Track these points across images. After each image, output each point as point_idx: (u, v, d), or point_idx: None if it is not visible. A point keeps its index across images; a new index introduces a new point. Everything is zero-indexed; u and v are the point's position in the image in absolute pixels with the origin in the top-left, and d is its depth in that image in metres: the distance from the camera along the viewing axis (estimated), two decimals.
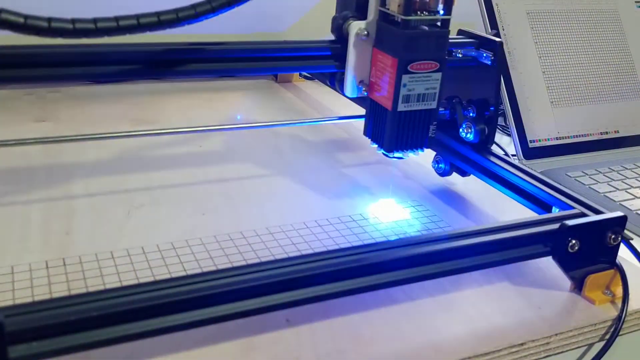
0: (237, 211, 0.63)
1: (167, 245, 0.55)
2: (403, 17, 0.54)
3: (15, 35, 0.43)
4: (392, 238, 0.59)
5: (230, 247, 0.56)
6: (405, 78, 0.56)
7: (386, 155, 0.60)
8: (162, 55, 0.55)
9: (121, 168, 0.70)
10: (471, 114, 0.66)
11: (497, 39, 0.64)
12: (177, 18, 0.46)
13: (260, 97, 0.97)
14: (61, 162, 0.70)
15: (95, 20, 0.44)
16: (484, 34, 0.66)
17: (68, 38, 0.44)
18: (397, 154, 0.60)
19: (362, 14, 0.58)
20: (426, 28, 0.55)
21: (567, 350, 0.49)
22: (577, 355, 0.50)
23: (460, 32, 0.67)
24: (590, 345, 0.50)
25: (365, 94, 0.60)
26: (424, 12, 0.55)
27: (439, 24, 0.56)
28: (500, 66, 0.65)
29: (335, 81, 0.63)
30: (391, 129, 0.58)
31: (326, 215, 0.62)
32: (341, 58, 0.60)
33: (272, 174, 0.71)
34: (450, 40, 0.65)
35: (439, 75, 0.57)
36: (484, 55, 0.65)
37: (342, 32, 0.59)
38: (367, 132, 0.62)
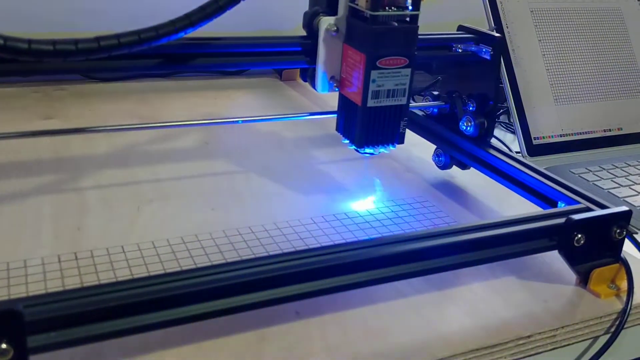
0: (245, 206, 0.63)
1: (177, 240, 0.56)
2: (371, 13, 0.54)
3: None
4: (398, 232, 0.60)
5: (239, 242, 0.57)
6: (374, 74, 0.56)
7: (357, 151, 0.60)
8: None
9: (130, 164, 0.71)
10: (471, 108, 0.67)
11: (496, 34, 0.65)
12: (157, 35, 0.47)
13: (264, 95, 0.98)
14: (70, 157, 0.71)
15: (76, 42, 0.44)
16: (483, 30, 0.67)
17: (48, 58, 0.44)
18: (368, 150, 0.60)
19: (332, 10, 0.58)
20: (395, 24, 0.56)
21: (573, 343, 0.50)
22: (582, 347, 0.50)
23: (460, 28, 0.68)
24: (596, 338, 0.51)
25: (337, 89, 0.61)
26: (393, 8, 0.55)
27: (407, 19, 0.56)
28: (499, 61, 0.66)
29: (307, 77, 0.63)
30: (361, 125, 0.58)
31: (333, 210, 0.63)
32: (312, 54, 0.60)
33: (279, 169, 0.72)
34: (450, 36, 0.66)
35: (408, 71, 0.57)
36: (484, 50, 0.65)
37: (312, 27, 0.59)
38: (338, 128, 0.62)
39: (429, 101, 0.71)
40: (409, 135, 0.74)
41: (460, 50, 0.66)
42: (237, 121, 0.67)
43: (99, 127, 0.63)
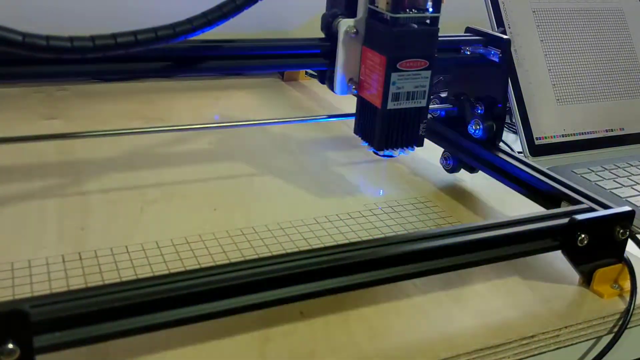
0: (248, 207, 0.63)
1: (180, 240, 0.56)
2: (392, 15, 0.54)
3: None
4: (402, 233, 0.60)
5: (242, 242, 0.57)
6: (394, 76, 0.56)
7: (376, 154, 0.60)
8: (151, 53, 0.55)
9: (133, 164, 0.71)
10: (479, 111, 0.67)
11: (505, 37, 0.65)
12: (156, 37, 0.47)
13: (266, 96, 0.98)
14: (74, 159, 0.71)
15: (71, 39, 0.44)
16: (491, 32, 0.67)
17: (42, 54, 0.44)
18: (387, 152, 0.60)
19: (351, 12, 0.59)
20: (415, 26, 0.56)
21: (576, 343, 0.50)
22: (586, 347, 0.50)
23: (468, 30, 0.68)
24: (599, 338, 0.51)
25: (355, 92, 0.61)
26: (413, 10, 0.55)
27: (428, 21, 0.56)
28: (508, 63, 0.66)
29: (325, 79, 0.63)
30: (381, 127, 0.58)
31: (336, 210, 0.63)
32: (331, 56, 0.60)
33: (281, 170, 0.72)
34: (458, 38, 0.66)
35: (428, 73, 0.57)
36: (492, 52, 0.65)
37: (331, 30, 0.59)
38: (357, 131, 0.62)
39: (437, 104, 0.71)
40: None
41: (468, 53, 0.66)
42: (241, 125, 0.67)
43: (103, 132, 0.63)
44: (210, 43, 0.57)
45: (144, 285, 0.39)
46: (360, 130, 0.62)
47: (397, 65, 0.56)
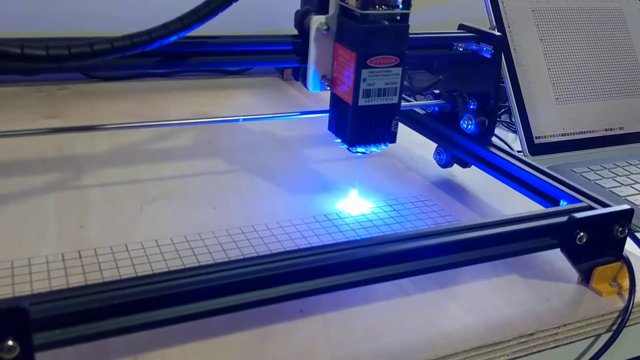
0: (248, 205, 0.63)
1: (180, 239, 0.56)
2: (361, 12, 0.54)
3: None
4: (401, 231, 0.60)
5: (242, 240, 0.57)
6: (364, 72, 0.56)
7: (349, 150, 0.60)
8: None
9: (133, 162, 0.71)
10: (472, 107, 0.67)
11: (497, 33, 0.65)
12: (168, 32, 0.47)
13: (266, 95, 0.98)
14: (73, 156, 0.71)
15: (46, 47, 0.44)
16: (484, 29, 0.67)
17: (17, 62, 0.44)
18: (359, 149, 0.60)
19: (323, 9, 0.58)
20: (386, 22, 0.55)
21: (575, 341, 0.50)
22: (585, 345, 0.50)
23: (461, 27, 0.69)
24: (598, 336, 0.51)
25: (328, 88, 0.61)
26: (383, 7, 0.55)
27: (398, 18, 0.56)
28: (500, 60, 0.66)
29: (299, 76, 0.63)
30: (352, 124, 0.58)
31: (335, 209, 0.63)
32: (303, 53, 0.60)
33: (282, 168, 0.72)
34: (451, 35, 0.67)
35: (399, 70, 0.57)
36: (484, 49, 0.66)
37: (303, 26, 0.59)
38: (330, 127, 0.62)
39: (430, 100, 0.72)
40: (410, 133, 0.75)
41: (461, 49, 0.66)
42: (237, 119, 0.67)
43: (103, 125, 0.63)
44: (184, 40, 0.56)
45: (143, 282, 0.39)
46: (333, 126, 0.62)
47: (368, 62, 0.55)
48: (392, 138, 0.60)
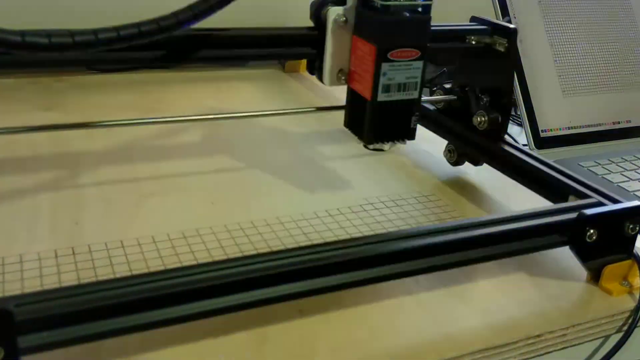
0: (246, 200, 0.62)
1: (177, 235, 0.55)
2: (382, 3, 0.52)
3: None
4: (403, 227, 0.59)
5: (241, 237, 0.55)
6: (384, 66, 0.54)
7: (366, 147, 0.58)
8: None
9: (130, 157, 0.69)
10: (484, 102, 0.65)
11: (511, 26, 0.63)
12: (177, 22, 0.46)
13: (267, 87, 0.96)
14: (69, 151, 0.69)
15: (49, 35, 0.42)
16: (498, 21, 0.65)
17: (68, 52, 0.43)
18: (377, 146, 0.58)
19: (341, 0, 0.56)
20: (407, 14, 0.53)
21: (584, 342, 0.48)
22: (594, 346, 0.49)
23: (474, 19, 0.66)
24: (607, 337, 0.49)
25: (345, 83, 0.58)
26: None
27: (419, 9, 0.54)
28: (515, 54, 0.64)
29: (314, 69, 0.60)
30: (371, 120, 0.56)
31: (338, 204, 0.62)
32: (319, 45, 0.58)
33: (281, 163, 0.71)
34: (463, 27, 0.65)
35: (420, 63, 0.55)
36: (498, 42, 0.64)
37: (320, 18, 0.57)
38: (346, 123, 0.60)
39: (441, 95, 0.70)
40: (419, 130, 0.73)
41: (473, 42, 0.64)
42: (241, 116, 0.65)
43: (99, 122, 0.61)
44: (194, 32, 0.55)
45: (135, 282, 0.38)
46: (350, 123, 0.60)
47: (388, 56, 0.53)
48: (411, 135, 0.58)
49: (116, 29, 0.44)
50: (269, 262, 0.41)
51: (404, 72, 0.55)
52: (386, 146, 0.58)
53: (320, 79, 0.59)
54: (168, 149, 0.72)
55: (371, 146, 0.57)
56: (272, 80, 1.00)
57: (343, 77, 0.58)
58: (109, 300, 0.37)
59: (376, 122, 0.56)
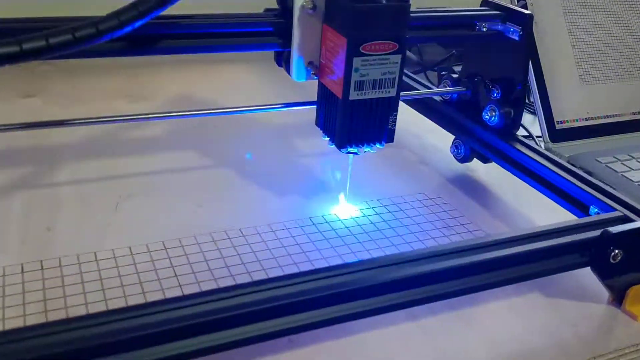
0: (235, 203, 0.57)
1: (157, 245, 0.50)
2: None
3: None
4: (406, 236, 0.54)
5: (227, 248, 0.50)
6: (357, 61, 0.47)
7: (339, 150, 0.52)
8: None
9: (111, 151, 0.64)
10: (496, 95, 0.60)
11: (527, 12, 0.58)
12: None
13: (260, 70, 0.90)
14: (46, 144, 0.65)
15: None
16: (512, 6, 0.60)
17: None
18: (350, 150, 0.52)
19: None
20: (383, 1, 0.47)
21: None
22: None
23: (485, 4, 0.61)
24: None
25: (315, 77, 0.52)
26: None
27: None
28: (530, 42, 0.59)
29: (282, 61, 0.54)
30: (342, 121, 0.50)
31: (334, 209, 0.57)
32: (286, 35, 0.51)
33: (275, 160, 0.66)
34: (473, 13, 0.59)
35: (398, 57, 0.48)
36: (511, 29, 0.58)
37: (286, 3, 0.50)
38: (318, 122, 0.54)
39: (448, 86, 0.64)
40: (425, 122, 0.68)
41: (485, 29, 0.58)
42: (226, 112, 0.59)
43: (79, 120, 0.55)
44: (152, 22, 0.48)
45: (87, 324, 0.33)
46: (321, 122, 0.53)
47: (360, 49, 0.47)
48: (389, 137, 0.52)
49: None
50: (249, 295, 0.36)
51: (379, 67, 0.48)
52: (361, 150, 0.51)
53: (289, 72, 0.53)
54: (153, 141, 0.67)
55: (343, 150, 0.51)
56: (264, 62, 0.93)
57: (313, 71, 0.52)
58: (59, 348, 0.32)
59: (348, 123, 0.50)
